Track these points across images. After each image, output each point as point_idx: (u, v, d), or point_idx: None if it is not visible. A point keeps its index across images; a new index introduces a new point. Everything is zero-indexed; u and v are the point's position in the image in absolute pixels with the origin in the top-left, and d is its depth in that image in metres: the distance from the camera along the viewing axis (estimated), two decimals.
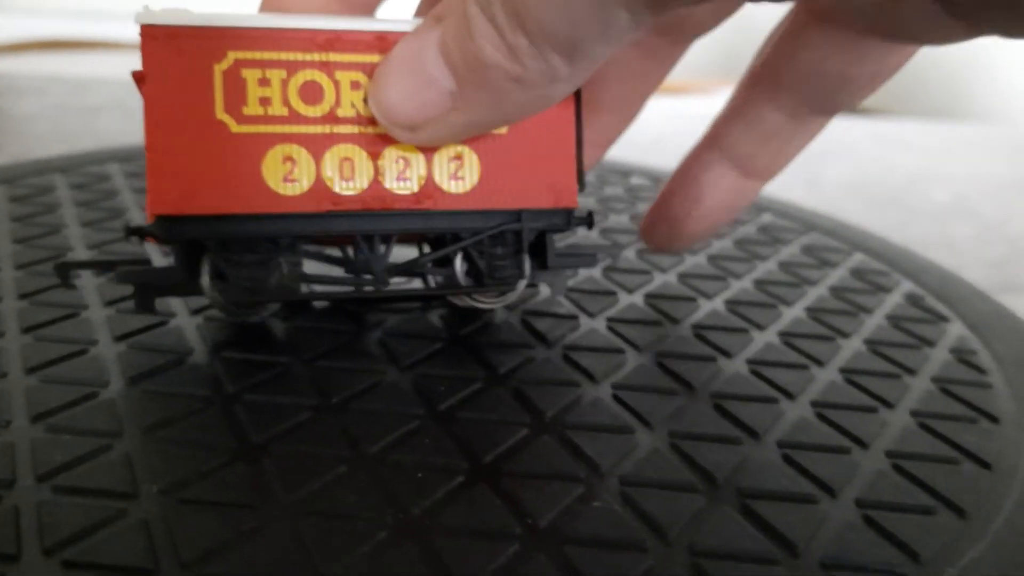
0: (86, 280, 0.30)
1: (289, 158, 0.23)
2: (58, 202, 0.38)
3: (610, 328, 0.29)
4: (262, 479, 0.20)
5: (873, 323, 0.31)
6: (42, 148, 0.56)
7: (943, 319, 0.32)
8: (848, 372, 0.27)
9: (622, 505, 0.20)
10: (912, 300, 0.33)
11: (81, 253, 0.33)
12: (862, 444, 0.23)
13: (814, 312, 0.31)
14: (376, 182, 0.23)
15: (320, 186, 0.23)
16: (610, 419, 0.24)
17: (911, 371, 0.28)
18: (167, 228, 0.23)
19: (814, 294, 0.33)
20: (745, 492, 0.21)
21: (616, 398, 0.25)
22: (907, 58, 0.25)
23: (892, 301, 0.33)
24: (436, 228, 0.24)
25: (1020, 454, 0.24)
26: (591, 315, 0.30)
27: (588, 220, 0.26)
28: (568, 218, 0.25)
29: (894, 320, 0.31)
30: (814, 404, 0.25)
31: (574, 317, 0.29)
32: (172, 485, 0.20)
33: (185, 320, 0.28)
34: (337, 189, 0.23)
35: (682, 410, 0.24)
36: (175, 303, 0.29)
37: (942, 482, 0.22)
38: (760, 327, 0.30)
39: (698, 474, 0.22)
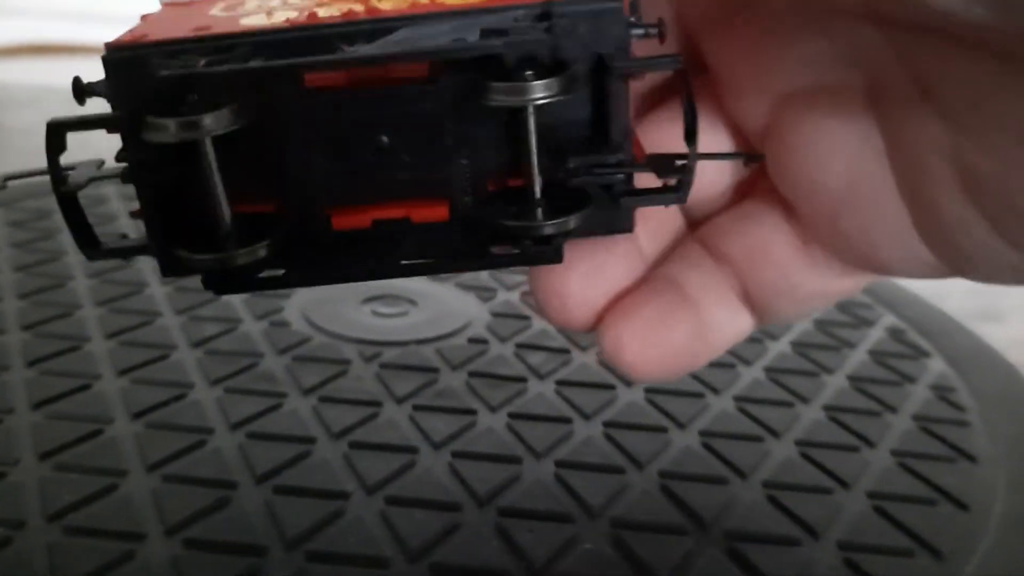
0: (88, 311, 0.31)
1: None
2: (57, 227, 0.39)
3: (601, 363, 0.30)
4: (266, 516, 0.21)
5: (856, 359, 0.32)
6: (39, 164, 0.56)
7: (924, 354, 0.33)
8: (832, 410, 0.28)
9: (612, 548, 0.21)
10: (894, 335, 0.34)
11: (82, 281, 0.33)
12: (844, 485, 0.24)
13: (799, 347, 0.32)
14: None
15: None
16: (601, 458, 0.24)
17: (892, 409, 0.28)
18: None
19: (799, 327, 0.34)
20: (732, 534, 0.22)
21: (607, 436, 0.25)
22: (861, 285, 0.23)
23: (875, 336, 0.34)
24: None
25: (995, 495, 0.24)
26: (583, 349, 0.31)
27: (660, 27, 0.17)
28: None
29: (877, 356, 0.32)
30: (799, 443, 0.26)
31: (567, 351, 0.30)
32: (177, 525, 0.21)
33: (186, 353, 0.28)
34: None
35: (671, 447, 0.25)
36: (176, 335, 0.30)
37: (920, 524, 0.23)
38: (747, 362, 0.31)
39: (686, 515, 0.22)
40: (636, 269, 0.21)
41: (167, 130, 0.15)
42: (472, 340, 0.30)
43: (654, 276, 0.21)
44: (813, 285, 0.22)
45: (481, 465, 0.24)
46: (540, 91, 0.16)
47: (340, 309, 0.32)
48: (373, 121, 0.17)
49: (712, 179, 0.21)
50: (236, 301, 0.32)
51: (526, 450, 0.24)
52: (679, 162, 0.17)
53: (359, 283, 0.28)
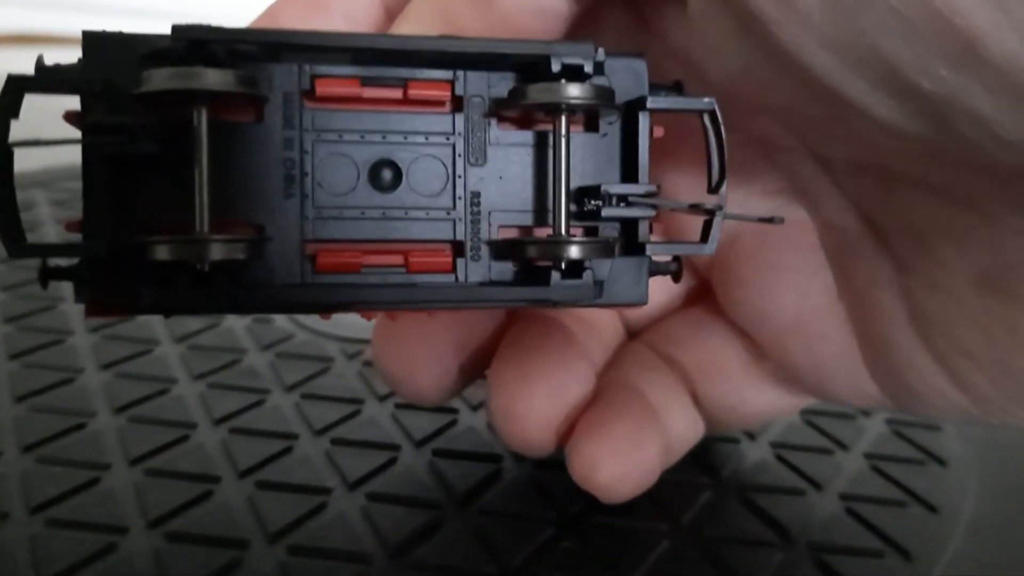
0: (70, 305, 0.31)
1: None
2: (40, 220, 0.39)
3: None
4: (248, 510, 0.21)
5: None
6: (21, 156, 0.56)
7: None
8: (807, 413, 0.29)
9: (590, 547, 0.21)
10: None
11: None
12: (817, 486, 0.25)
13: None
14: None
15: None
16: None
17: (866, 412, 0.29)
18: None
19: None
20: (707, 537, 0.22)
21: None
22: (807, 403, 0.23)
23: None
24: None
25: (965, 498, 0.25)
26: None
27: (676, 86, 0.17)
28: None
29: None
30: (774, 445, 0.26)
31: None
32: (159, 518, 0.21)
33: (169, 348, 0.29)
34: None
35: None
36: (159, 330, 0.30)
37: (891, 525, 0.23)
38: None
39: (663, 516, 0.23)
40: (590, 384, 0.20)
41: (162, 78, 0.14)
42: None
43: (613, 383, 0.21)
44: (763, 402, 0.22)
45: (461, 464, 0.24)
46: (575, 91, 0.15)
47: None
48: (382, 144, 0.16)
49: (659, 289, 0.20)
50: None
51: (506, 450, 0.25)
52: (707, 209, 0.16)
53: None
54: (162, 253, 0.14)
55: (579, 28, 0.18)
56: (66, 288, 0.32)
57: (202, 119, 0.14)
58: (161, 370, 0.27)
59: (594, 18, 0.18)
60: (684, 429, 0.22)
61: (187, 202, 0.14)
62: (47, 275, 0.15)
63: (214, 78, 0.14)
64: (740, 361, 0.22)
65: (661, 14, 0.18)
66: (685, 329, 0.22)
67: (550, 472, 0.24)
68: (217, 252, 0.14)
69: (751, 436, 0.27)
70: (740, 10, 0.15)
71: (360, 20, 0.18)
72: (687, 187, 0.19)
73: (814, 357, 0.20)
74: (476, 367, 0.20)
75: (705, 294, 0.23)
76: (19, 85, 0.14)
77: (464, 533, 0.21)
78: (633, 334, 0.24)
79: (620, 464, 0.19)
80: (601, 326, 0.23)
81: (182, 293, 0.14)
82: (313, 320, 0.31)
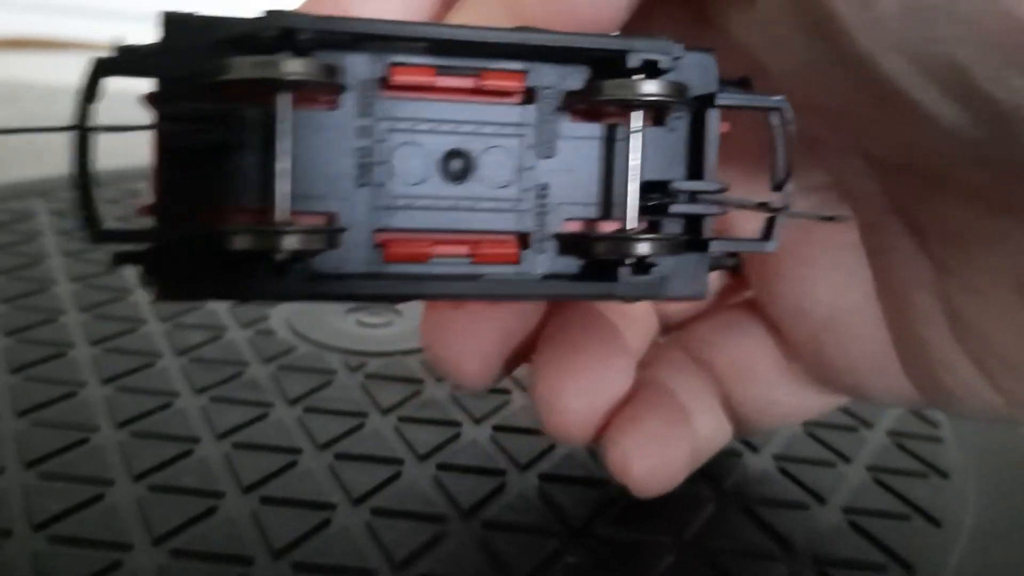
0: (71, 317, 0.31)
1: None
2: (39, 230, 0.38)
3: None
4: (253, 526, 0.21)
5: None
6: (17, 163, 0.56)
7: None
8: (809, 425, 0.29)
9: (593, 562, 0.21)
10: None
11: (65, 286, 0.33)
12: (820, 499, 0.25)
13: None
14: None
15: None
16: (583, 472, 0.25)
17: (868, 424, 0.29)
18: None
19: None
20: (711, 549, 0.22)
21: (589, 450, 0.26)
22: (840, 403, 0.23)
23: None
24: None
25: (967, 509, 0.25)
26: None
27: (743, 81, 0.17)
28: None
29: None
30: (776, 457, 0.26)
31: None
32: (164, 535, 0.21)
33: (171, 361, 0.29)
34: None
35: None
36: (160, 343, 0.30)
37: (894, 538, 0.23)
38: None
39: (667, 531, 0.23)
40: (631, 379, 0.21)
41: (248, 66, 0.13)
42: None
43: (646, 382, 0.21)
44: (795, 403, 0.22)
45: (465, 477, 0.24)
46: (651, 87, 0.15)
47: (325, 318, 0.32)
48: (453, 134, 0.16)
49: None
50: (221, 309, 0.32)
51: (510, 462, 0.25)
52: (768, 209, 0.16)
53: None
54: (242, 242, 0.14)
55: (638, 19, 0.18)
56: (66, 299, 0.32)
57: (286, 107, 0.14)
58: (163, 383, 0.27)
59: (648, 5, 0.18)
60: (712, 432, 0.22)
61: (262, 188, 0.14)
62: (119, 259, 0.14)
63: (301, 67, 0.14)
64: (773, 362, 0.22)
65: (723, 6, 0.18)
66: (719, 331, 0.23)
67: (555, 485, 0.24)
68: (296, 243, 0.14)
69: (753, 448, 0.27)
70: (813, 9, 0.15)
71: (417, 2, 0.18)
72: (736, 180, 0.19)
73: (849, 355, 0.21)
74: (519, 355, 0.21)
75: (737, 290, 0.23)
76: (102, 68, 0.13)
77: (469, 547, 0.21)
78: (667, 325, 0.24)
79: (651, 458, 0.19)
80: (640, 316, 0.23)
81: (257, 280, 0.14)
82: (315, 331, 0.31)
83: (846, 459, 0.27)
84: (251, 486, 0.23)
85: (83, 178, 0.14)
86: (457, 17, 0.17)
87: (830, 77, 0.16)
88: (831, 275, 0.21)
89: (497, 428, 0.26)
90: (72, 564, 0.20)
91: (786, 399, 0.22)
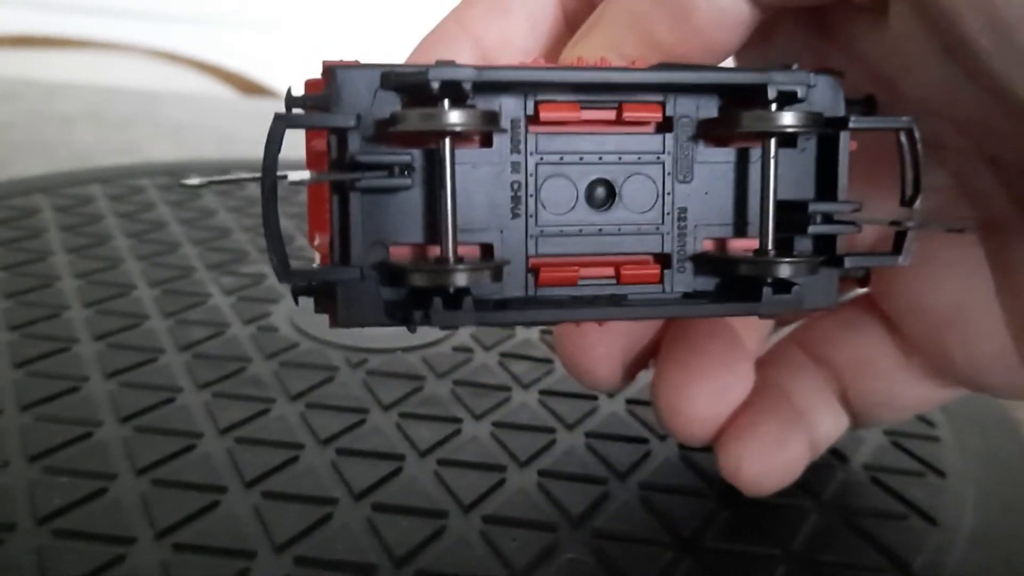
0: (75, 313, 0.31)
1: None
2: (43, 226, 0.39)
3: None
4: (255, 521, 0.22)
5: None
6: (20, 160, 0.56)
7: None
8: None
9: (594, 558, 0.22)
10: None
11: (69, 282, 0.33)
12: (818, 499, 0.25)
13: None
14: None
15: None
16: (583, 468, 0.25)
17: None
18: None
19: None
20: (710, 548, 0.22)
21: (589, 447, 0.26)
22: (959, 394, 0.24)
23: None
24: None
25: (964, 510, 0.25)
26: None
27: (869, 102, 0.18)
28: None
29: None
30: None
31: (550, 361, 0.31)
32: (167, 529, 0.21)
33: (174, 357, 0.29)
34: None
35: (652, 459, 0.26)
36: (164, 338, 0.30)
37: (891, 538, 0.23)
38: None
39: (665, 528, 0.23)
40: (750, 382, 0.21)
41: (417, 119, 0.15)
42: (457, 348, 0.31)
43: (763, 384, 0.22)
44: (914, 396, 0.23)
45: (466, 473, 0.24)
46: (789, 119, 0.16)
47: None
48: (598, 164, 0.17)
49: None
50: (224, 305, 0.32)
51: (510, 459, 0.25)
52: (904, 224, 0.17)
53: None
54: (420, 280, 0.15)
55: (757, 32, 0.18)
56: (70, 295, 0.32)
57: (448, 153, 0.15)
58: (166, 379, 0.27)
59: (772, 24, 0.19)
60: (830, 427, 0.23)
61: (428, 224, 0.16)
62: (299, 292, 0.16)
63: (466, 118, 0.15)
64: (892, 358, 0.23)
65: (852, 27, 0.18)
66: (836, 328, 0.23)
67: (555, 481, 0.24)
68: (467, 280, 0.15)
69: None
70: (948, 35, 0.15)
71: (541, 21, 0.20)
72: (860, 191, 0.19)
73: (970, 351, 0.21)
74: (643, 358, 0.22)
75: (853, 285, 0.24)
76: (283, 123, 0.15)
77: (469, 542, 0.22)
78: (780, 321, 0.25)
79: (764, 463, 0.21)
80: (756, 323, 0.23)
81: (430, 311, 0.15)
82: (317, 328, 0.31)
83: (843, 459, 0.27)
84: (253, 481, 0.23)
85: (272, 224, 0.15)
86: (586, 42, 0.18)
87: (962, 94, 0.16)
88: (952, 273, 0.21)
89: (497, 424, 0.27)
90: (76, 558, 0.20)
91: (905, 393, 0.23)
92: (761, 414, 0.21)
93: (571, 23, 0.19)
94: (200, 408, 0.26)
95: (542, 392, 0.29)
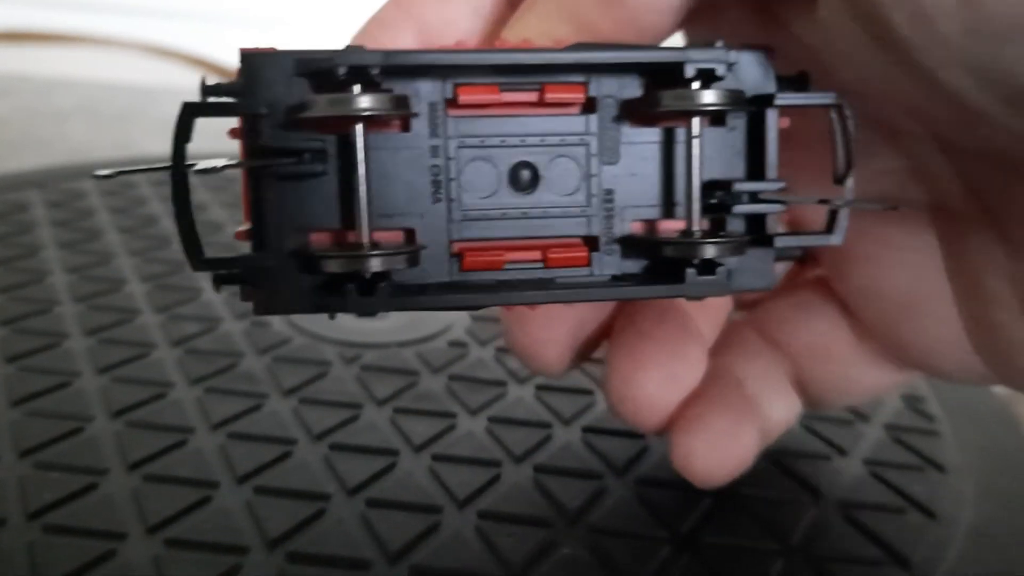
0: (66, 308, 0.31)
1: None
2: (35, 221, 0.38)
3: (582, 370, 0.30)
4: (247, 516, 0.21)
5: None
6: (13, 155, 0.56)
7: None
8: (806, 418, 0.28)
9: (590, 553, 0.21)
10: None
11: (60, 277, 0.33)
12: (816, 493, 0.25)
13: None
14: None
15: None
16: (579, 463, 0.25)
17: (865, 418, 0.29)
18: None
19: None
20: (708, 544, 0.22)
21: (585, 442, 0.26)
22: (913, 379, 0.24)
23: None
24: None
25: (963, 504, 0.25)
26: None
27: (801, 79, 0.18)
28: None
29: None
30: (772, 451, 0.26)
31: None
32: (158, 524, 0.21)
33: (166, 352, 0.29)
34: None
35: (649, 454, 0.25)
36: (155, 333, 0.30)
37: (890, 532, 0.23)
38: None
39: (662, 523, 0.23)
40: (703, 367, 0.21)
41: (326, 104, 0.15)
42: (452, 343, 0.31)
43: (716, 371, 0.22)
44: (869, 380, 0.23)
45: (461, 468, 0.24)
46: (709, 97, 0.16)
47: None
48: (520, 147, 0.17)
49: None
50: (216, 300, 0.32)
51: (505, 454, 0.25)
52: (833, 203, 0.17)
53: None
54: (334, 266, 0.15)
55: (700, 13, 0.18)
56: (61, 290, 0.32)
57: (359, 138, 0.15)
58: (158, 374, 0.27)
59: (716, 4, 0.18)
60: (782, 414, 0.22)
61: (345, 210, 0.15)
62: (220, 280, 0.16)
63: (374, 103, 0.15)
64: (847, 342, 0.22)
65: (787, 12, 0.18)
66: (792, 311, 0.23)
67: (550, 476, 0.24)
68: (380, 264, 0.15)
69: None
70: (872, 24, 0.15)
71: (483, 5, 0.19)
72: (807, 170, 0.19)
73: (923, 336, 0.21)
74: (593, 342, 0.22)
75: (808, 267, 0.23)
76: (192, 111, 0.15)
77: (463, 537, 0.21)
78: (741, 301, 0.24)
79: (715, 456, 0.20)
80: (712, 301, 0.23)
81: (347, 297, 0.15)
82: (310, 324, 0.31)
83: (843, 452, 0.27)
84: (246, 476, 0.23)
85: (184, 213, 0.15)
86: (519, 25, 0.18)
87: (896, 83, 0.16)
88: (905, 257, 0.21)
89: (493, 419, 0.26)
90: (67, 553, 0.20)
91: (860, 377, 0.23)
92: (712, 405, 0.21)
93: (515, 5, 0.19)
94: (192, 403, 0.26)
95: (538, 387, 0.28)
